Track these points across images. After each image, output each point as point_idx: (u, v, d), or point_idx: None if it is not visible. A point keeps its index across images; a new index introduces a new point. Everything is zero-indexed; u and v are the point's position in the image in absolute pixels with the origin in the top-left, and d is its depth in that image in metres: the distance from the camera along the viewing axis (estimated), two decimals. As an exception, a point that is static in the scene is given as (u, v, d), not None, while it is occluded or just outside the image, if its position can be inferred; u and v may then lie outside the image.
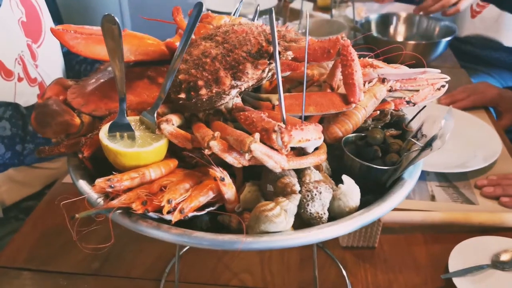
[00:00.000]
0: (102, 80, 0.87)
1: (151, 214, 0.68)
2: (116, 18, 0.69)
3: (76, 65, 1.73)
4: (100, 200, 0.71)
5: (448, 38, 1.93)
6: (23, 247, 1.18)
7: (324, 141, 0.83)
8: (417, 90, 0.95)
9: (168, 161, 0.75)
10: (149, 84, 0.86)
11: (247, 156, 0.67)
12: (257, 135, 0.68)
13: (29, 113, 1.24)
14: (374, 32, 2.11)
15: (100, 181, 0.68)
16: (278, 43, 0.76)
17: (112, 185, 0.68)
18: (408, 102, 0.92)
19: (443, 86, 0.95)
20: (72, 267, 1.12)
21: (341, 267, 1.11)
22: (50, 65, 1.60)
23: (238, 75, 0.75)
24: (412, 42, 1.98)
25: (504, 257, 1.09)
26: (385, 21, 2.15)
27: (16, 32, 1.43)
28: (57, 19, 2.73)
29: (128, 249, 1.16)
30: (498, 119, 1.78)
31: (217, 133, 0.70)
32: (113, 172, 0.71)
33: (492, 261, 1.09)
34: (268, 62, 0.75)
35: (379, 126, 0.90)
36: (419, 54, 1.96)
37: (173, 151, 0.79)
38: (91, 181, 0.76)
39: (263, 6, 2.54)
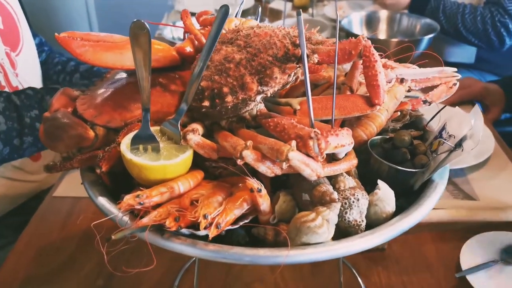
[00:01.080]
0: (113, 89, 0.82)
1: (183, 230, 0.64)
2: (146, 24, 0.64)
3: (54, 75, 1.66)
4: (127, 219, 0.66)
5: (431, 35, 1.94)
6: (19, 267, 1.11)
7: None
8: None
9: (195, 173, 0.71)
10: (162, 92, 0.82)
11: (284, 165, 0.64)
12: (293, 143, 0.65)
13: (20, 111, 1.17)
14: (355, 30, 2.10)
15: (128, 198, 0.64)
16: (306, 46, 0.73)
17: (142, 202, 0.64)
18: (424, 102, 0.90)
19: (454, 84, 0.94)
20: (76, 285, 1.07)
21: (354, 272, 1.10)
22: (29, 74, 1.53)
23: (266, 80, 0.71)
24: (395, 39, 1.99)
25: (513, 252, 1.10)
26: (366, 19, 2.15)
27: None
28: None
29: (133, 264, 1.11)
30: (485, 113, 1.80)
31: (249, 142, 0.66)
32: (141, 188, 0.66)
33: (501, 256, 1.09)
34: (297, 65, 0.72)
35: (398, 127, 0.89)
36: (403, 52, 1.98)
37: (194, 161, 0.75)
38: (110, 198, 0.72)
39: (244, 6, 2.51)
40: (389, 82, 0.88)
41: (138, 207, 0.64)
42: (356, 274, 1.09)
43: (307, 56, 0.72)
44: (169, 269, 1.10)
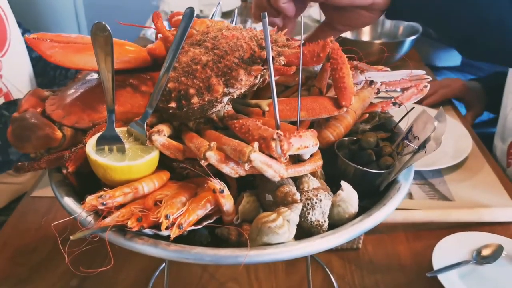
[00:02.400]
0: (83, 90, 0.82)
1: (146, 230, 0.65)
2: (107, 26, 0.65)
3: (51, 71, 1.66)
4: (91, 219, 0.67)
5: (413, 37, 1.96)
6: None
7: (316, 146, 0.82)
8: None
9: (160, 174, 0.72)
10: (132, 93, 0.82)
11: (246, 166, 0.65)
12: (256, 144, 0.65)
13: None
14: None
15: (91, 198, 0.64)
16: (271, 48, 0.74)
17: (105, 202, 0.64)
18: (394, 104, 0.92)
19: (425, 86, 0.96)
20: (50, 286, 1.07)
21: (327, 270, 1.11)
22: (16, 75, 1.52)
23: (231, 82, 0.72)
24: (378, 41, 2.01)
25: (485, 252, 1.11)
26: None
27: None
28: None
29: (108, 264, 1.11)
30: (467, 111, 1.82)
31: (213, 143, 0.67)
32: (104, 188, 0.67)
33: (474, 257, 1.10)
34: (262, 68, 0.73)
35: (368, 129, 0.90)
36: (385, 53, 1.99)
37: (161, 162, 0.76)
38: (77, 198, 0.72)
39: (226, 7, 2.52)
40: (358, 84, 0.89)
41: (101, 207, 0.65)
42: (329, 273, 1.10)
43: (273, 58, 0.73)
44: (146, 269, 1.11)
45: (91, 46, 0.80)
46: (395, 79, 0.90)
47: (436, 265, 1.08)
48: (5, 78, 1.45)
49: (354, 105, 0.84)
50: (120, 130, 0.74)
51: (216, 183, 0.67)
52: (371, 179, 0.78)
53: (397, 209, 1.22)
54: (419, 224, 1.23)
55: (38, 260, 1.13)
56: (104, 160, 0.68)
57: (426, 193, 1.36)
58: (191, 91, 0.72)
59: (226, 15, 2.47)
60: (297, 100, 0.81)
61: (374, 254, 1.16)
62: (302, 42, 0.78)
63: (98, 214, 0.68)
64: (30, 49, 1.61)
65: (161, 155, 0.73)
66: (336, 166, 0.81)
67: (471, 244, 1.14)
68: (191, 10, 0.72)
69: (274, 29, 0.84)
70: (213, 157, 0.66)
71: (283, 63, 0.75)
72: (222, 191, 0.66)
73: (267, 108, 0.81)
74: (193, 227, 0.67)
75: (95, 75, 0.87)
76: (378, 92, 0.89)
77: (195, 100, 0.72)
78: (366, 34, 2.15)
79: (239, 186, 0.76)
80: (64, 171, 0.72)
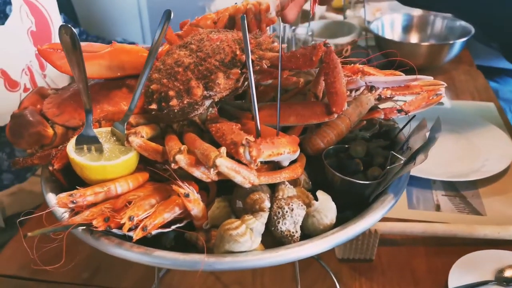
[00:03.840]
0: (78, 90, 0.85)
1: (115, 231, 0.66)
2: (73, 29, 0.67)
3: None
4: (65, 215, 0.69)
5: (463, 39, 1.85)
6: (16, 255, 1.18)
7: (306, 152, 0.80)
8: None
9: (137, 175, 0.73)
10: (127, 93, 0.84)
11: (212, 171, 0.64)
12: (223, 149, 0.64)
13: None
14: (386, 33, 2.04)
15: (62, 196, 0.66)
16: (252, 52, 0.72)
17: (74, 201, 0.66)
18: (399, 111, 0.87)
19: (439, 94, 0.90)
20: (62, 277, 1.11)
21: (335, 280, 1.07)
22: (58, 74, 1.59)
23: (210, 85, 0.72)
24: (425, 43, 1.91)
25: (508, 273, 1.03)
26: (398, 22, 2.08)
27: (24, 43, 1.43)
28: (72, 18, 2.75)
29: (119, 260, 1.13)
30: None
31: (183, 147, 0.67)
32: (77, 187, 0.68)
33: (496, 277, 1.03)
34: (240, 71, 0.71)
35: (368, 136, 0.86)
36: (433, 56, 1.91)
37: (147, 163, 0.76)
38: (62, 194, 0.75)
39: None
40: (358, 90, 0.85)
41: (71, 205, 0.66)
42: (336, 283, 1.06)
43: (253, 61, 0.72)
44: (153, 267, 1.13)
45: (98, 55, 0.83)
46: (398, 84, 0.85)
47: (451, 283, 1.01)
48: (48, 77, 1.52)
49: (348, 111, 0.81)
50: (105, 130, 0.76)
51: (183, 188, 0.66)
52: (358, 189, 0.75)
53: (418, 221, 1.18)
54: (442, 238, 1.16)
55: (54, 251, 1.17)
56: (80, 159, 0.70)
57: (456, 206, 1.28)
58: (171, 93, 0.72)
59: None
60: (286, 105, 0.79)
61: (387, 266, 1.11)
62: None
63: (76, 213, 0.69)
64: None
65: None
66: (325, 174, 0.78)
67: (494, 263, 1.06)
68: (168, 13, 0.72)
69: (263, 32, 0.82)
70: (182, 160, 0.66)
71: (266, 67, 0.73)
72: (187, 196, 0.65)
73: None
74: (161, 230, 0.67)
75: (95, 76, 0.89)
76: (379, 98, 0.85)
77: (174, 102, 0.72)
78: (414, 35, 2.06)
79: (225, 191, 0.75)
80: (50, 168, 0.75)
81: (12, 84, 1.37)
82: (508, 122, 1.64)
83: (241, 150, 0.64)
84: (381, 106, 0.91)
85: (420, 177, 1.33)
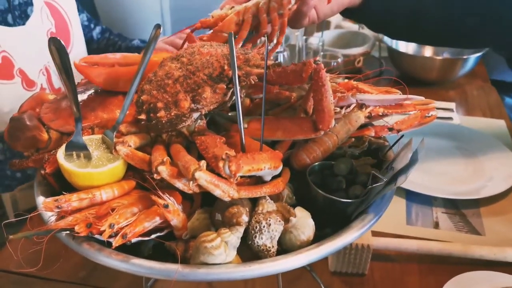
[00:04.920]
0: (77, 96, 0.88)
1: (97, 237, 0.68)
2: (62, 41, 0.69)
3: None
4: (52, 219, 0.71)
5: (478, 54, 1.83)
6: (17, 251, 1.21)
7: (292, 168, 0.81)
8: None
9: (122, 183, 0.75)
10: (123, 101, 0.86)
11: (191, 184, 0.66)
12: (203, 163, 0.66)
13: None
14: (400, 45, 2.03)
15: (48, 201, 0.69)
16: (239, 68, 0.74)
17: (60, 206, 0.68)
18: (390, 129, 0.87)
19: (430, 115, 0.90)
20: (60, 275, 1.14)
21: (324, 292, 1.08)
22: (76, 75, 1.64)
23: (197, 98, 0.73)
24: (438, 57, 1.90)
25: (501, 296, 1.02)
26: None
27: (43, 43, 1.47)
28: (94, 15, 2.80)
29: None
30: None
31: (166, 158, 0.69)
32: (63, 192, 0.71)
33: (488, 299, 1.02)
34: (226, 86, 0.73)
35: (357, 153, 0.87)
36: (446, 70, 1.89)
37: (137, 171, 0.78)
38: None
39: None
40: (348, 107, 0.86)
41: (56, 210, 0.69)
42: (325, 296, 1.07)
43: (239, 77, 0.73)
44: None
45: (131, 69, 0.86)
46: (389, 103, 0.86)
47: (442, 304, 1.01)
48: None
49: (336, 128, 0.82)
50: (96, 138, 0.78)
51: (166, 198, 0.68)
52: (340, 207, 0.76)
53: (415, 238, 1.18)
54: (437, 256, 1.15)
55: (55, 249, 1.20)
56: (69, 165, 0.72)
57: (455, 224, 1.27)
58: (159, 104, 0.74)
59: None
60: (275, 119, 0.81)
61: (380, 282, 1.11)
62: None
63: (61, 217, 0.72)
64: (88, 49, 1.72)
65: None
66: (309, 190, 0.79)
67: (488, 284, 1.05)
68: (157, 27, 0.74)
69: (257, 48, 0.83)
70: (164, 171, 0.68)
71: (253, 83, 0.75)
72: (166, 206, 0.67)
73: (246, 125, 0.81)
74: (141, 238, 0.69)
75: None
76: (370, 116, 0.85)
77: (161, 113, 0.74)
78: (428, 48, 2.05)
79: (211, 202, 0.77)
80: (42, 172, 0.77)
81: (29, 83, 1.41)
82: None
83: (220, 164, 0.66)
84: (375, 123, 0.91)
85: (421, 193, 1.32)
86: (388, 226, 1.25)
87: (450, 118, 1.71)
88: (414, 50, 2.04)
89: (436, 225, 1.26)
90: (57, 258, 1.18)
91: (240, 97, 0.80)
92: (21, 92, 1.31)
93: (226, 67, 0.74)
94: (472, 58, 1.83)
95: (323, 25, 2.07)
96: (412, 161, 0.71)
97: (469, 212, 1.31)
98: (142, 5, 3.61)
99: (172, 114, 0.74)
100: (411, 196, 1.35)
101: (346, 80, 0.94)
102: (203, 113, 0.76)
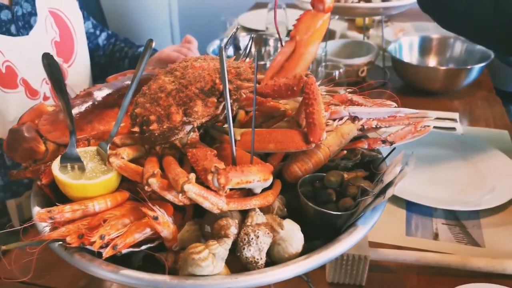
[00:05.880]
0: (73, 109, 0.89)
1: (89, 247, 0.69)
2: (54, 58, 0.71)
3: (115, 62, 1.80)
4: (47, 229, 0.73)
5: (482, 64, 1.83)
6: (19, 259, 1.23)
7: (284, 180, 0.82)
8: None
9: (116, 194, 0.76)
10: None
11: (180, 196, 0.67)
12: (192, 176, 0.67)
13: None
14: (404, 55, 2.04)
15: (41, 212, 0.70)
16: (231, 82, 0.75)
17: (53, 217, 0.70)
18: (384, 142, 0.88)
19: (426, 126, 0.90)
20: (60, 283, 1.16)
21: (320, 303, 1.08)
22: (79, 84, 1.66)
23: (189, 111, 0.75)
24: (442, 68, 1.90)
25: (498, 309, 1.02)
26: (416, 44, 2.07)
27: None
28: (102, 22, 2.84)
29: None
30: None
31: (157, 170, 0.70)
32: (57, 203, 0.72)
33: (485, 312, 1.01)
34: (217, 100, 0.74)
35: (350, 166, 0.87)
36: (450, 80, 1.89)
37: (131, 182, 0.80)
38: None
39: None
40: (341, 120, 0.86)
41: (50, 221, 0.70)
42: (321, 307, 1.07)
43: (230, 91, 0.74)
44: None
45: None
46: (381, 116, 0.86)
47: (438, 316, 1.01)
48: (69, 87, 1.59)
49: (328, 141, 0.82)
50: (91, 149, 0.80)
51: (156, 210, 0.69)
52: (330, 219, 0.76)
53: (413, 249, 1.18)
54: (436, 268, 1.15)
55: (56, 257, 1.23)
56: (63, 177, 0.74)
57: (455, 236, 1.26)
58: (152, 117, 0.76)
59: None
60: (268, 132, 0.82)
61: (377, 293, 1.11)
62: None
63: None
64: (92, 57, 1.74)
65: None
66: (300, 202, 0.80)
67: (485, 297, 1.05)
68: (149, 42, 0.76)
69: (241, 61, 0.84)
70: (155, 183, 0.69)
71: (244, 96, 0.76)
72: (156, 218, 0.68)
73: (238, 138, 0.82)
74: (131, 249, 0.70)
75: (92, 95, 0.93)
76: (363, 128, 0.86)
77: (154, 126, 0.75)
78: (433, 58, 2.05)
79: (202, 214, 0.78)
80: (39, 183, 0.79)
81: (32, 93, 1.44)
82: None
83: (209, 177, 0.67)
84: (370, 135, 0.92)
85: (421, 204, 1.32)
86: (388, 237, 1.25)
87: (453, 129, 1.70)
88: (418, 60, 2.04)
89: (436, 236, 1.26)
90: (57, 266, 1.20)
91: (233, 110, 0.82)
92: (24, 101, 1.34)
93: (217, 81, 0.75)
94: (476, 68, 1.83)
95: (327, 34, 2.07)
96: (402, 174, 0.71)
97: (469, 224, 1.30)
98: (150, 13, 3.65)
99: (165, 127, 0.76)
100: (411, 207, 1.35)
101: (348, 91, 0.95)
102: (195, 126, 0.77)
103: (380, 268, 1.16)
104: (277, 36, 2.18)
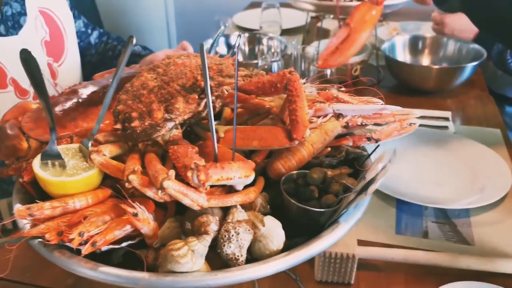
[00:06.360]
0: (58, 106, 0.89)
1: (69, 244, 0.69)
2: (32, 54, 0.71)
3: (108, 61, 1.79)
4: (27, 227, 0.72)
5: (475, 63, 1.83)
6: (5, 256, 1.22)
7: (268, 177, 0.82)
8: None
9: (97, 191, 0.76)
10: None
11: (159, 193, 0.67)
12: (171, 172, 0.67)
13: None
14: (398, 54, 2.03)
15: (21, 209, 0.70)
16: (212, 78, 0.75)
17: (32, 214, 0.69)
18: (369, 139, 0.87)
19: (412, 123, 0.90)
20: (48, 281, 1.15)
21: (307, 301, 1.08)
22: (69, 83, 1.66)
23: (170, 108, 0.74)
24: (435, 67, 1.90)
25: (487, 307, 1.01)
26: (410, 43, 2.07)
27: (37, 52, 1.49)
28: (97, 23, 2.83)
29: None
30: None
31: (137, 167, 0.70)
32: (37, 200, 0.72)
33: (473, 311, 1.01)
34: (198, 96, 0.74)
35: (334, 163, 0.87)
36: (443, 79, 1.89)
37: (115, 180, 0.79)
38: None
39: (290, 24, 2.53)
40: (325, 117, 0.86)
41: (29, 218, 0.70)
42: (309, 305, 1.07)
43: (211, 88, 0.74)
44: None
45: None
46: (366, 113, 0.86)
47: (425, 314, 1.00)
48: (59, 86, 1.58)
49: (312, 138, 0.82)
50: (73, 147, 0.79)
51: (136, 207, 0.69)
52: (313, 216, 0.76)
53: (403, 247, 1.18)
54: (425, 266, 1.15)
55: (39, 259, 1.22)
56: (43, 174, 0.73)
57: (444, 234, 1.26)
58: (134, 114, 0.75)
59: (286, 32, 2.48)
60: (252, 129, 0.82)
61: (365, 292, 1.11)
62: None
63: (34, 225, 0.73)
64: (84, 56, 1.74)
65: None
66: (283, 199, 0.79)
67: (474, 296, 1.05)
68: (130, 39, 0.76)
69: (225, 57, 0.84)
70: (135, 180, 0.69)
71: (226, 93, 0.76)
72: (135, 215, 0.68)
73: (222, 135, 0.82)
74: (112, 246, 0.69)
75: (77, 92, 0.93)
76: (347, 126, 0.85)
77: (136, 123, 0.75)
78: (426, 58, 2.04)
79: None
80: (20, 180, 0.79)
81: (22, 92, 1.44)
82: (510, 141, 1.60)
83: (189, 173, 0.67)
84: (357, 132, 0.92)
85: (412, 203, 1.32)
86: (377, 235, 1.25)
87: (446, 127, 1.70)
88: (411, 59, 2.04)
89: (425, 235, 1.26)
90: (45, 265, 1.20)
91: (216, 107, 0.81)
92: (14, 100, 1.33)
93: (199, 78, 0.75)
94: (469, 67, 1.82)
95: (321, 33, 2.08)
96: (384, 171, 0.71)
97: (459, 222, 1.30)
98: (146, 12, 3.65)
99: (146, 123, 0.75)
100: (402, 206, 1.35)
101: (336, 88, 0.95)
102: (177, 122, 0.77)
103: (368, 266, 1.16)
104: (270, 35, 2.19)
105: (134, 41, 0.75)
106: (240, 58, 2.16)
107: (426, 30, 2.36)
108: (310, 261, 1.16)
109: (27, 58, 0.72)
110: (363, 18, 1.05)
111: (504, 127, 1.71)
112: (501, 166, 1.45)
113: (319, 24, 2.29)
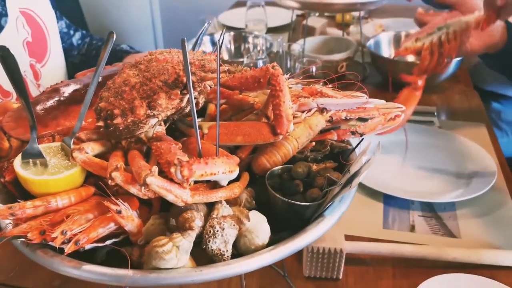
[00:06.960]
0: (39, 104, 0.88)
1: (52, 243, 0.68)
2: (10, 51, 0.70)
3: (92, 60, 1.76)
4: (10, 226, 0.71)
5: (459, 58, 1.84)
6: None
7: (253, 172, 0.82)
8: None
9: (80, 190, 0.75)
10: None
11: (143, 189, 0.66)
12: (154, 168, 0.66)
13: None
14: (383, 51, 2.04)
15: (1, 208, 0.69)
16: (194, 73, 0.74)
17: (14, 213, 0.68)
18: (353, 133, 0.88)
19: (396, 116, 0.90)
20: (34, 283, 1.14)
21: (296, 297, 1.08)
22: (53, 83, 1.64)
23: (153, 104, 0.74)
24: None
25: (473, 298, 1.02)
26: (395, 40, 2.08)
27: (19, 53, 1.47)
28: (81, 25, 2.81)
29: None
30: None
31: (120, 164, 0.69)
32: (18, 200, 0.71)
33: (461, 303, 1.02)
34: (180, 92, 0.73)
35: (319, 157, 0.87)
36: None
37: (98, 177, 0.79)
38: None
39: (276, 23, 2.53)
40: (309, 111, 0.86)
41: (11, 218, 0.69)
42: (298, 301, 1.07)
43: (193, 83, 0.74)
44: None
45: None
46: (349, 107, 0.86)
47: (413, 307, 1.01)
48: (43, 87, 1.57)
49: (296, 132, 0.82)
50: (55, 145, 0.78)
51: (120, 204, 0.68)
52: (298, 210, 0.76)
53: (389, 241, 1.18)
54: (411, 259, 1.15)
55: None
56: (24, 173, 0.72)
57: (431, 227, 1.27)
58: (116, 111, 0.74)
59: (272, 30, 2.48)
60: (236, 124, 0.81)
61: (354, 286, 1.11)
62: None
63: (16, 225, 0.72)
64: (66, 56, 1.72)
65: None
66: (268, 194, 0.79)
67: (461, 287, 1.05)
68: (111, 35, 0.75)
69: (208, 53, 0.84)
70: (118, 177, 0.68)
71: (209, 89, 0.75)
72: (119, 212, 0.67)
73: (206, 131, 0.82)
74: (95, 244, 0.69)
75: (59, 91, 0.92)
76: (331, 120, 0.85)
77: (118, 120, 0.74)
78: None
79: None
80: (2, 180, 0.78)
81: (4, 94, 1.42)
82: (498, 145, 1.61)
83: (172, 169, 0.66)
84: (343, 127, 0.92)
85: (399, 197, 1.32)
86: (365, 230, 1.25)
87: (431, 122, 1.71)
88: (398, 56, 2.05)
89: (412, 228, 1.26)
90: (33, 266, 1.18)
91: (199, 102, 0.81)
92: None
93: (181, 73, 0.74)
94: (454, 62, 1.83)
95: (306, 31, 2.08)
96: (368, 164, 0.71)
97: (445, 215, 1.31)
98: (131, 12, 3.62)
99: (129, 120, 0.75)
100: (389, 200, 1.35)
101: (328, 86, 0.94)
102: (160, 119, 0.77)
103: (355, 261, 1.16)
104: (256, 33, 2.18)
105: (115, 36, 0.75)
106: (226, 56, 2.16)
107: (411, 26, 2.36)
108: (298, 257, 1.16)
109: (5, 56, 0.71)
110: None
111: (489, 121, 1.72)
112: (486, 159, 1.47)
113: (304, 22, 2.29)
